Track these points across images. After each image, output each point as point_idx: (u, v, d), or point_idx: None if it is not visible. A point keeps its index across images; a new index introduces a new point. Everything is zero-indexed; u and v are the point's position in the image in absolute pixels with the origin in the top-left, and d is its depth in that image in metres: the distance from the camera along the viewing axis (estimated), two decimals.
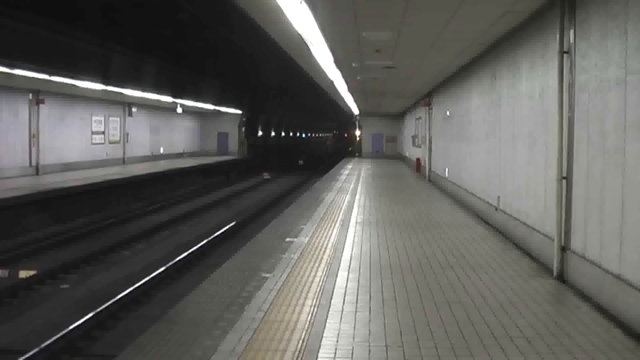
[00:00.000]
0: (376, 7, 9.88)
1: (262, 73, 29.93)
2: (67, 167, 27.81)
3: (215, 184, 35.68)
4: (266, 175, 43.85)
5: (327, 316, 6.47)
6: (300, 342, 5.68)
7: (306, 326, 6.13)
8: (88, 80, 22.05)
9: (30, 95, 24.62)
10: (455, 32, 11.67)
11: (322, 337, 5.82)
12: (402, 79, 20.36)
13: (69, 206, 20.69)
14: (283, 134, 78.23)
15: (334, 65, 16.86)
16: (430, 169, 25.96)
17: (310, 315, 6.49)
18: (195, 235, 18.62)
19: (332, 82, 22.31)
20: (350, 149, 64.95)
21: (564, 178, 8.23)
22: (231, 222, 20.56)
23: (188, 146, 45.49)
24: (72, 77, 20.97)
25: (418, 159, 30.96)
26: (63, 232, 18.36)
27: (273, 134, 69.10)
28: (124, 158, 34.13)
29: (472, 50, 14.03)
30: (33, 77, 19.82)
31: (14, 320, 10.60)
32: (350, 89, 26.10)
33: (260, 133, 59.14)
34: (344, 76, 20.37)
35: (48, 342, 8.93)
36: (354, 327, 6.14)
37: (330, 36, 12.32)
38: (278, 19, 10.31)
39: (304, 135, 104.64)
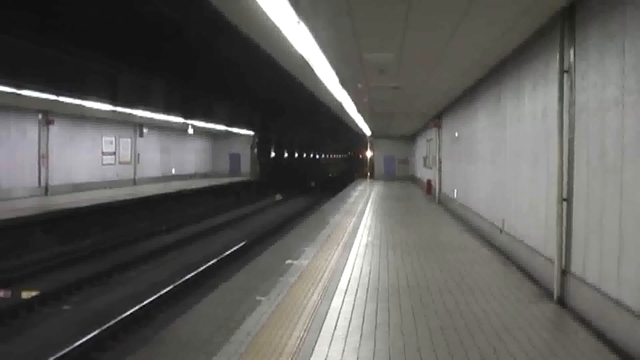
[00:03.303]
0: (375, 26, 9.78)
1: (272, 95, 29.96)
2: (77, 187, 27.90)
3: (226, 205, 35.60)
4: (278, 197, 43.79)
5: (316, 340, 6.32)
6: None
7: (294, 350, 5.99)
8: (98, 101, 22.15)
9: (40, 115, 24.75)
10: (457, 52, 11.57)
11: None
12: (409, 100, 20.27)
13: (77, 226, 20.70)
14: (296, 155, 78.33)
15: (340, 86, 16.82)
16: (440, 190, 25.78)
17: (299, 339, 6.35)
18: (203, 255, 18.50)
19: (340, 104, 22.24)
20: (355, 174, 63.58)
21: (564, 200, 8.08)
22: (239, 243, 20.44)
23: (200, 167, 45.57)
24: (81, 98, 21.08)
25: (429, 181, 30.76)
26: (69, 253, 18.35)
27: (286, 155, 69.19)
28: (134, 179, 34.20)
29: (476, 72, 13.94)
30: (42, 98, 19.94)
31: (13, 341, 10.55)
32: (359, 110, 26.03)
33: (272, 154, 59.18)
34: (352, 97, 20.32)
35: None
36: (343, 352, 5.99)
37: (334, 57, 12.27)
38: (280, 42, 10.27)
39: (317, 157, 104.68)
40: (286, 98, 29.09)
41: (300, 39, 10.19)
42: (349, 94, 19.28)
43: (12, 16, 14.25)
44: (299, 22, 9.09)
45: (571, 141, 7.92)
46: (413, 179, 43.10)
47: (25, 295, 13.25)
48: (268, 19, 8.68)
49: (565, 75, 8.07)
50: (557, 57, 8.18)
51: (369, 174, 48.77)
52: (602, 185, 6.82)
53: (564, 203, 8.08)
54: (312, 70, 13.41)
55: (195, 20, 13.64)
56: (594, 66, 7.14)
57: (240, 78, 23.51)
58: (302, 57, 11.85)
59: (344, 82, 16.14)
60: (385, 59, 12.25)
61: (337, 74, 14.43)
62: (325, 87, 16.79)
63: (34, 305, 12.62)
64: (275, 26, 9.13)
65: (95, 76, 20.53)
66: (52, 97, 20.11)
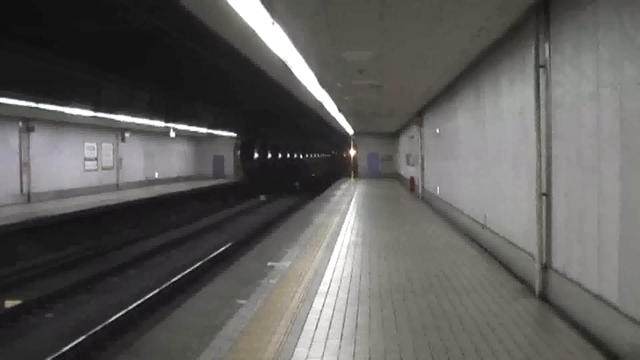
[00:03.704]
0: (352, 28, 9.77)
1: (254, 97, 29.89)
2: (60, 194, 27.64)
3: (211, 208, 35.38)
4: (262, 197, 43.72)
5: (296, 344, 6.25)
6: None
7: (273, 355, 5.92)
8: (79, 107, 21.96)
9: (20, 122, 24.48)
10: (435, 52, 11.65)
11: None
12: (390, 98, 20.27)
13: (59, 234, 20.48)
14: (279, 156, 78.26)
15: (320, 86, 16.78)
16: (423, 187, 25.80)
17: (279, 343, 6.27)
18: (187, 261, 18.31)
19: (321, 103, 22.19)
20: (339, 173, 63.48)
21: (544, 195, 8.05)
22: (223, 246, 20.30)
23: (183, 170, 45.33)
24: (63, 105, 20.90)
25: (412, 178, 30.79)
26: (52, 261, 18.14)
27: (269, 156, 69.09)
28: (117, 184, 33.96)
29: (455, 70, 14.00)
30: (23, 105, 19.75)
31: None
32: (340, 110, 25.99)
33: (256, 156, 59.04)
34: (332, 97, 20.27)
35: None
36: (322, 355, 5.92)
37: (311, 57, 12.23)
38: (257, 44, 10.21)
39: (300, 157, 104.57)
40: (268, 100, 29.01)
41: (277, 41, 10.13)
42: (329, 94, 19.24)
43: None
44: (273, 24, 9.03)
45: (549, 137, 7.90)
46: (397, 177, 43.12)
47: (9, 304, 13.12)
48: (243, 21, 8.62)
49: (541, 70, 8.05)
50: (533, 51, 8.16)
51: (352, 172, 48.73)
52: (581, 182, 6.79)
53: (544, 198, 8.06)
54: (291, 71, 13.37)
55: (172, 26, 13.56)
56: (569, 60, 7.11)
57: (221, 81, 23.37)
58: (280, 59, 11.80)
59: (323, 82, 16.10)
60: (364, 57, 12.21)
61: (316, 74, 14.39)
62: (305, 87, 16.74)
63: (18, 314, 12.48)
64: (251, 28, 9.06)
65: (78, 84, 20.31)
66: (33, 104, 19.94)
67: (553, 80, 7.71)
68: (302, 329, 6.80)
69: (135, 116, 26.50)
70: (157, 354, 6.06)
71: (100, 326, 10.97)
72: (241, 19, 8.44)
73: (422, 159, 25.65)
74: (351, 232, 15.11)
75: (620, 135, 5.72)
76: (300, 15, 9.03)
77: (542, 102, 8.04)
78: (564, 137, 7.37)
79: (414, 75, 14.79)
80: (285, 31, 9.64)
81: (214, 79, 22.90)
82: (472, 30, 9.76)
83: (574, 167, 7.01)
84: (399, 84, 16.74)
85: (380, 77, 15.00)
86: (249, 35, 9.45)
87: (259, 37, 9.72)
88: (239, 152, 50.05)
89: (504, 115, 10.65)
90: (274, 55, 11.33)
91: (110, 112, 24.01)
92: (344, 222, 17.33)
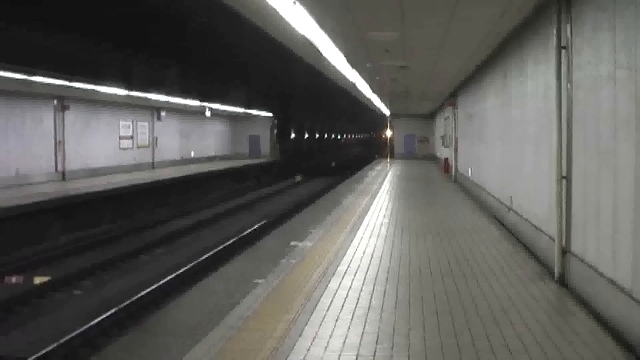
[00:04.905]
0: (371, 8, 9.72)
1: (288, 78, 29.92)
2: (95, 172, 27.86)
3: (246, 187, 35.59)
4: (298, 178, 43.83)
5: (307, 323, 6.27)
6: (271, 351, 5.48)
7: (283, 333, 5.95)
8: (113, 86, 22.24)
9: (55, 101, 24.75)
10: (458, 34, 11.50)
11: (294, 346, 5.61)
12: (420, 79, 20.13)
13: (94, 212, 20.76)
14: (316, 136, 78.23)
15: (350, 66, 16.72)
16: (456, 169, 25.61)
17: (290, 322, 6.30)
18: (219, 239, 18.45)
19: (353, 84, 22.13)
20: (375, 154, 63.37)
21: (563, 177, 7.94)
22: (255, 225, 20.44)
23: (219, 149, 45.52)
24: (96, 84, 21.20)
25: (446, 159, 30.55)
26: (85, 238, 18.46)
27: (306, 136, 69.11)
28: (153, 162, 34.21)
29: (482, 51, 13.86)
30: (56, 84, 20.06)
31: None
32: (374, 90, 25.88)
33: (292, 135, 59.02)
34: (363, 78, 20.21)
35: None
36: (331, 335, 5.92)
37: (337, 38, 12.17)
38: (283, 24, 10.20)
39: (338, 137, 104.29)
40: (302, 80, 29.00)
41: (302, 21, 10.09)
42: (360, 74, 19.18)
43: (24, 10, 14.30)
44: (295, 3, 8.99)
45: (570, 119, 7.77)
46: (433, 158, 42.82)
47: (38, 281, 13.38)
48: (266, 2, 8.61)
49: (563, 51, 7.90)
50: (555, 33, 8.01)
51: (389, 153, 48.47)
52: (598, 164, 6.70)
53: (564, 181, 7.95)
54: (320, 52, 13.34)
55: (197, 7, 13.71)
56: (588, 41, 6.98)
57: (253, 63, 23.45)
58: (308, 39, 11.77)
59: (352, 63, 16.04)
60: (389, 38, 12.12)
61: (345, 54, 14.33)
62: (335, 67, 16.69)
63: (46, 290, 12.74)
64: (273, 7, 9.03)
65: (109, 66, 20.52)
66: (66, 83, 20.25)
67: (574, 62, 7.58)
68: (315, 308, 6.82)
69: (169, 94, 26.73)
70: (168, 332, 6.11)
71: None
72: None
73: (456, 140, 25.43)
74: (379, 213, 15.06)
75: (635, 118, 5.60)
76: None
77: (563, 83, 7.91)
78: (583, 119, 7.25)
79: (439, 56, 14.64)
80: (308, 11, 9.59)
81: (246, 60, 23.00)
82: (494, 11, 9.62)
83: (592, 150, 6.90)
84: (425, 66, 16.61)
85: (407, 58, 14.90)
86: (273, 14, 9.43)
87: (284, 18, 9.71)
88: (275, 131, 50.13)
89: (528, 98, 10.52)
90: (302, 36, 11.31)
91: (142, 89, 24.25)
92: (373, 202, 17.28)
